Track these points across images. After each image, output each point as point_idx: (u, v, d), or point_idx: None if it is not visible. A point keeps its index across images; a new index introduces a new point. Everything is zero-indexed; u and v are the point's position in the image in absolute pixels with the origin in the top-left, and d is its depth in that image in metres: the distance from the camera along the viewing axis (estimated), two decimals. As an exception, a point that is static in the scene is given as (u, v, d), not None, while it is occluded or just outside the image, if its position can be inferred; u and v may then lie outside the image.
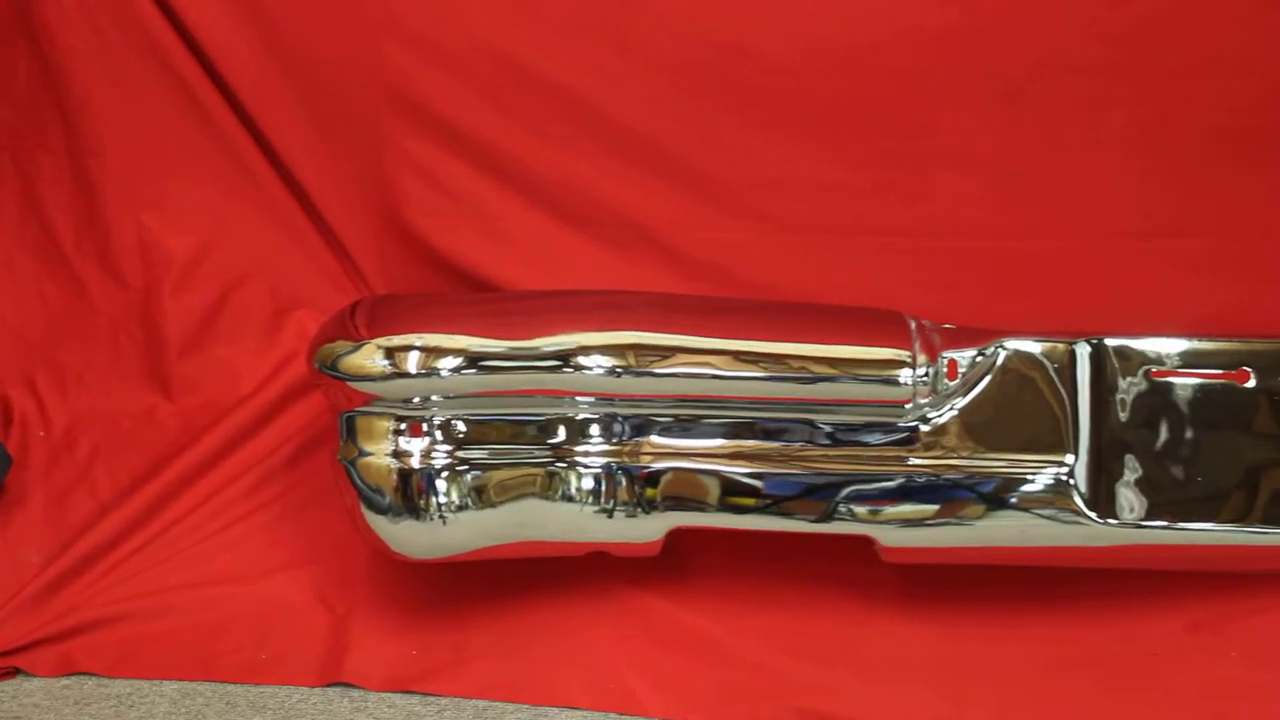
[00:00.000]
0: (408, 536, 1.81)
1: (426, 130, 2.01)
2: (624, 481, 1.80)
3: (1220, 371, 1.83)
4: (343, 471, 1.80)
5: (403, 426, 1.79)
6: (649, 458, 1.80)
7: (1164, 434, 1.83)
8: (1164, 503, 1.82)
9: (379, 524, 1.80)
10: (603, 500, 1.80)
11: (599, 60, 1.95)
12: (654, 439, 1.81)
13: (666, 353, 1.77)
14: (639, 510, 1.80)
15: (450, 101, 1.99)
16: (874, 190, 1.98)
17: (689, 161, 1.98)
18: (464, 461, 1.79)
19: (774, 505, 1.82)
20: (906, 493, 1.80)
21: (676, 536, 1.84)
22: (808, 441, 1.82)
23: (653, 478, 1.80)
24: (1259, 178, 1.94)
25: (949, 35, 1.92)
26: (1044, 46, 1.92)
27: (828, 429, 1.82)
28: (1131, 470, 1.82)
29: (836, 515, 1.81)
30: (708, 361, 1.77)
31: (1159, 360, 1.84)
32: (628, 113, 1.97)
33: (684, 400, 1.80)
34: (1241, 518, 1.82)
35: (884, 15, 1.92)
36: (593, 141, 1.99)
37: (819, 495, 1.81)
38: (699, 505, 1.81)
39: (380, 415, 1.79)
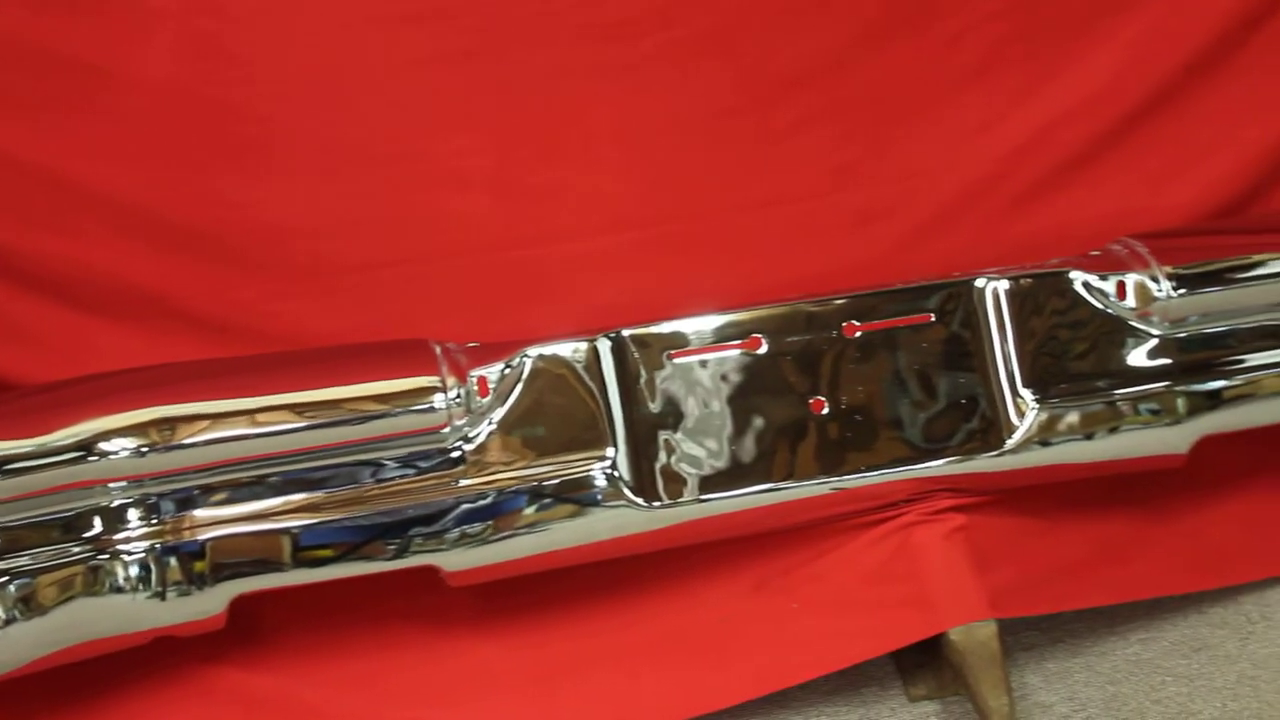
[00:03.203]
0: (-46, 664, 1.72)
1: None
2: (172, 561, 1.75)
3: (736, 342, 1.91)
4: None
5: (-72, 550, 1.70)
6: (193, 531, 1.75)
7: (696, 411, 1.88)
8: (711, 476, 1.88)
9: (-82, 658, 1.71)
10: (153, 584, 1.74)
11: (80, 136, 1.89)
12: (198, 512, 1.76)
13: (188, 422, 1.73)
14: (193, 587, 1.75)
15: None
16: (382, 220, 1.98)
17: (192, 224, 1.93)
18: (3, 573, 1.71)
19: (350, 553, 1.80)
20: (462, 515, 1.81)
21: (244, 602, 1.80)
22: (364, 482, 1.81)
23: (200, 551, 1.76)
24: (724, 157, 2.04)
25: (436, 61, 1.95)
26: (533, 57, 1.97)
27: (380, 466, 1.82)
28: (671, 452, 1.87)
29: (410, 550, 1.81)
30: (232, 423, 1.74)
31: (676, 342, 1.89)
32: (120, 185, 1.91)
33: (221, 466, 1.76)
34: (788, 475, 1.90)
35: (363, 51, 1.93)
36: (93, 221, 1.92)
37: (383, 535, 1.80)
38: (253, 568, 1.77)
39: (-100, 543, 1.70)
